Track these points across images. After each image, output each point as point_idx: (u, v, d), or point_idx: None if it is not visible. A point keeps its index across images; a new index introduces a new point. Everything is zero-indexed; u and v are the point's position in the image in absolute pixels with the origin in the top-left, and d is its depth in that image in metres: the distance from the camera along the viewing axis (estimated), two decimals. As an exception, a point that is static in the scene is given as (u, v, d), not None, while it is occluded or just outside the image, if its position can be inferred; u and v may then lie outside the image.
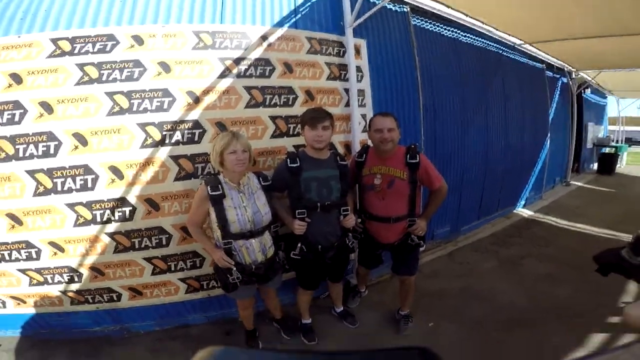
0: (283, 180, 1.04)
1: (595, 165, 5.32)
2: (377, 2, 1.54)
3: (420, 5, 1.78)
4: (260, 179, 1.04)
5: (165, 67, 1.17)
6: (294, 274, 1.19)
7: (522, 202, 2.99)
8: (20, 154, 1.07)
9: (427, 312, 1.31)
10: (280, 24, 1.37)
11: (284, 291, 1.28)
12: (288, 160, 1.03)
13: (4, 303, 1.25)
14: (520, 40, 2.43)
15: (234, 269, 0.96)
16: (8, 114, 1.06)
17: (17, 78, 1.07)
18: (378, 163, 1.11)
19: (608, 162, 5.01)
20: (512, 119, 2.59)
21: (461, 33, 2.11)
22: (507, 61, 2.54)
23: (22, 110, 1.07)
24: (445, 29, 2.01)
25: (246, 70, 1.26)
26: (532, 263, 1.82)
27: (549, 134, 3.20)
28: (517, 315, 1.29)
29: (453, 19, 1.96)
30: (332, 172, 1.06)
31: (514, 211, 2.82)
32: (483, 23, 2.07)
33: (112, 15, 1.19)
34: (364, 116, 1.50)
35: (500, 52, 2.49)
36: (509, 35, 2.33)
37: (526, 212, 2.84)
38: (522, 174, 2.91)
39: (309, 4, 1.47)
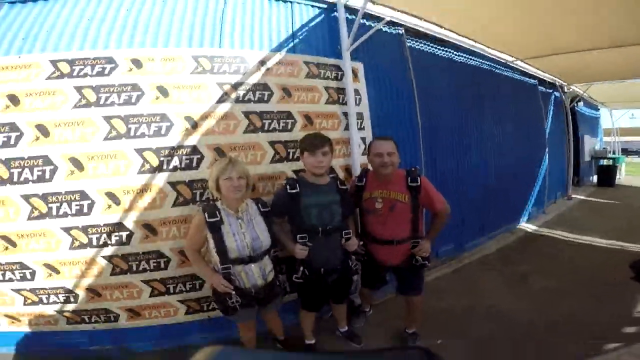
0: (283, 206, 1.05)
1: (595, 178, 5.41)
2: (372, 25, 1.57)
3: (414, 27, 1.82)
4: (260, 205, 1.04)
5: (164, 91, 1.17)
6: (296, 294, 1.19)
7: (525, 217, 3.03)
8: (15, 178, 1.06)
9: (433, 330, 1.28)
10: (278, 48, 1.39)
11: (287, 312, 1.28)
12: (287, 186, 1.03)
13: None
14: (512, 57, 2.50)
15: (233, 292, 0.95)
16: (4, 136, 1.05)
17: (14, 99, 1.06)
18: (378, 187, 1.11)
19: (607, 174, 5.05)
20: (509, 135, 2.66)
21: (455, 52, 2.17)
22: (501, 78, 2.62)
23: (18, 133, 1.06)
24: (439, 49, 2.06)
25: (244, 95, 1.27)
26: (538, 278, 1.80)
27: (546, 149, 3.28)
28: (525, 331, 1.28)
29: (446, 38, 2.01)
30: (333, 197, 1.06)
31: (518, 226, 2.85)
32: (475, 42, 2.12)
33: (111, 37, 1.19)
34: (363, 139, 1.52)
35: (494, 69, 2.56)
36: (501, 52, 2.39)
37: (530, 227, 2.85)
38: (523, 189, 2.96)
39: (307, 28, 1.50)
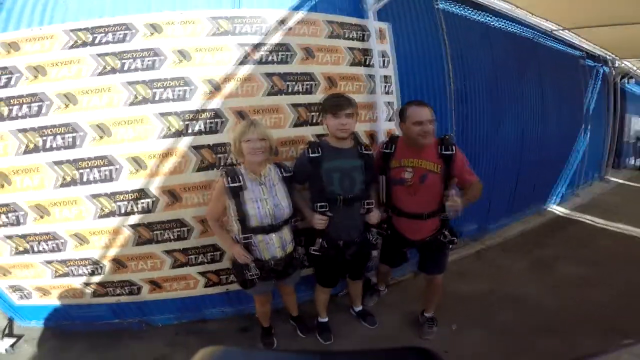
0: (304, 171, 1.06)
1: (638, 161, 5.06)
2: None
3: None
4: (282, 170, 1.06)
5: (185, 54, 1.22)
6: (313, 270, 1.22)
7: (556, 199, 2.90)
8: (47, 145, 1.16)
9: (451, 315, 1.30)
10: (298, 7, 1.38)
11: (301, 288, 1.31)
12: (309, 150, 1.04)
13: (29, 294, 1.36)
14: (557, 25, 2.33)
15: (252, 264, 0.98)
16: (35, 106, 1.14)
17: (41, 70, 1.15)
18: (410, 155, 1.08)
19: None
20: (547, 110, 2.51)
21: (493, 18, 2.05)
22: (542, 48, 2.46)
23: (48, 102, 1.15)
24: (475, 13, 1.96)
25: (266, 56, 1.29)
26: (566, 265, 1.78)
27: (585, 126, 3.08)
28: (547, 321, 1.27)
29: (483, 2, 1.91)
30: (355, 162, 1.05)
31: (547, 208, 2.75)
32: (516, 7, 2.00)
33: (129, 3, 1.24)
34: (390, 104, 1.50)
35: (536, 38, 2.41)
36: (545, 20, 2.23)
37: (560, 210, 2.77)
38: (557, 168, 2.82)
39: None
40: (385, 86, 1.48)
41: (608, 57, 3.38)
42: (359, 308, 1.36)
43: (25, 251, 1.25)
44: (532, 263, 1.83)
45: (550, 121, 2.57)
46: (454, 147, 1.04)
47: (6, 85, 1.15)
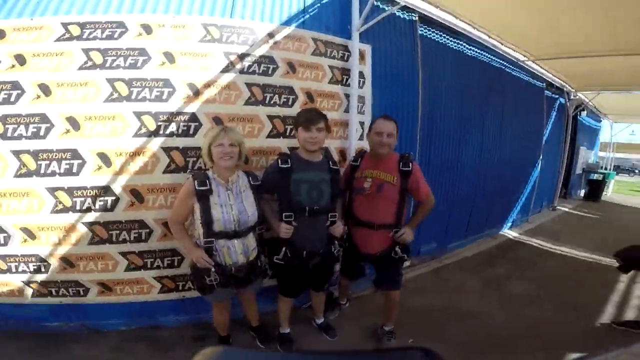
0: (273, 181, 1.13)
1: (582, 191, 5.72)
2: (386, 8, 1.73)
3: (429, 15, 1.98)
4: (251, 178, 1.13)
5: (170, 57, 1.32)
6: (275, 280, 1.25)
7: (509, 224, 3.22)
8: (9, 134, 1.18)
9: (409, 328, 1.38)
10: (288, 22, 1.54)
11: (263, 299, 1.33)
12: (279, 160, 1.13)
13: None
14: (525, 56, 2.66)
15: (213, 269, 1.01)
16: (4, 94, 1.18)
17: (21, 59, 1.21)
18: (370, 167, 1.22)
19: (595, 189, 5.47)
20: (507, 137, 2.82)
21: (466, 45, 2.34)
22: (508, 77, 2.79)
23: (19, 91, 1.20)
24: (451, 41, 2.23)
25: (249, 66, 1.41)
26: (515, 284, 2.00)
27: (540, 156, 3.43)
28: (498, 335, 1.39)
29: (459, 30, 2.17)
30: (324, 176, 1.15)
31: (500, 232, 3.07)
32: (489, 36, 2.28)
33: (124, 2, 1.35)
34: (362, 123, 1.64)
35: (503, 67, 2.73)
36: (514, 50, 2.55)
37: (512, 234, 3.12)
38: (512, 194, 3.13)
39: (318, 5, 1.66)
40: (359, 106, 1.63)
41: (566, 88, 3.80)
42: (320, 320, 1.40)
43: None
44: (485, 281, 2.04)
45: (509, 149, 2.86)
46: (411, 164, 1.18)
47: None
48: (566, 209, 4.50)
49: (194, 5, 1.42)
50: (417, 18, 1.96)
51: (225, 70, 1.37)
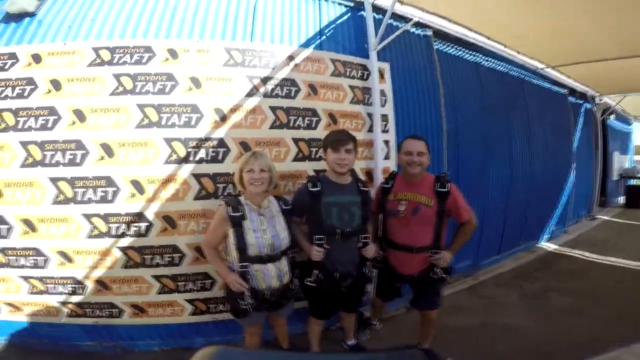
0: (303, 204, 1.19)
1: (622, 199, 5.63)
2: (400, 26, 1.85)
3: (443, 29, 2.09)
4: (281, 203, 1.21)
5: (196, 82, 1.42)
6: (306, 302, 1.34)
7: (546, 236, 3.26)
8: (47, 161, 1.29)
9: (445, 347, 1.37)
10: (305, 44, 1.66)
11: (293, 320, 1.41)
12: (309, 184, 1.18)
13: None
14: (543, 64, 2.76)
15: (247, 293, 1.08)
16: (42, 120, 1.29)
17: (56, 84, 1.32)
18: (404, 189, 1.25)
19: (636, 195, 5.33)
20: (535, 148, 2.89)
21: (483, 57, 2.45)
22: (529, 86, 2.88)
23: (55, 117, 1.31)
24: (467, 53, 2.34)
25: (272, 89, 1.52)
26: (557, 297, 2.00)
27: (573, 164, 3.52)
28: (538, 351, 1.42)
29: (475, 42, 2.28)
30: (353, 198, 1.20)
31: (538, 245, 3.09)
32: (505, 46, 2.39)
33: (150, 27, 1.47)
34: (386, 142, 1.75)
35: (523, 76, 2.83)
36: (531, 58, 2.65)
37: (550, 246, 3.11)
38: (546, 205, 3.18)
39: (334, 26, 1.78)
40: (383, 124, 1.73)
41: (590, 93, 3.90)
42: (351, 342, 1.45)
43: (3, 265, 1.33)
44: (524, 295, 2.06)
45: (538, 159, 2.94)
46: (448, 185, 1.20)
47: (19, 96, 1.30)
48: (606, 218, 4.41)
49: (216, 30, 1.54)
50: (431, 33, 2.07)
51: (250, 94, 1.48)
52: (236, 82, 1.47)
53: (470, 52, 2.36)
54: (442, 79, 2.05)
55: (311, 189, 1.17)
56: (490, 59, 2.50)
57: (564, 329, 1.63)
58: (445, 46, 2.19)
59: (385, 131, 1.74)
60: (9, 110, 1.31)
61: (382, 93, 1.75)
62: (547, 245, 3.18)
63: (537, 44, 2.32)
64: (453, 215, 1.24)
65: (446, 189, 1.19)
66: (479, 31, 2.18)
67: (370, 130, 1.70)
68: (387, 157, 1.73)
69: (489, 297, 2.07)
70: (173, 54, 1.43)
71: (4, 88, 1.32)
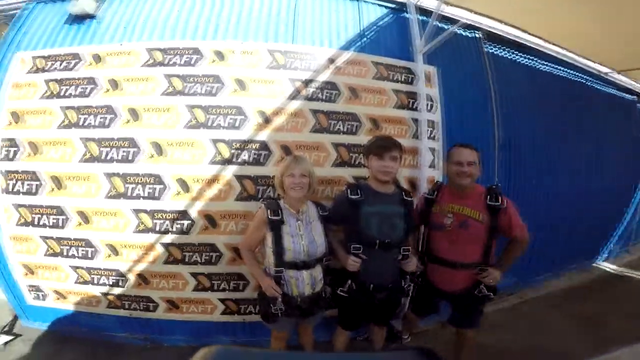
0: (341, 212, 1.18)
1: None
2: (446, 27, 1.75)
3: (494, 31, 1.99)
4: (319, 209, 1.21)
5: (241, 84, 1.47)
6: (335, 311, 1.31)
7: (605, 255, 3.01)
8: (103, 157, 1.40)
9: None
10: (346, 47, 1.65)
11: (320, 328, 1.41)
12: (349, 191, 1.16)
13: (44, 296, 1.55)
14: (608, 68, 2.55)
15: (279, 299, 1.10)
16: (101, 118, 1.40)
17: (114, 84, 1.43)
18: (452, 201, 1.19)
19: None
20: (598, 159, 2.67)
21: (539, 61, 2.29)
22: (593, 92, 2.67)
23: (113, 115, 1.41)
24: (522, 57, 2.21)
25: (314, 92, 1.53)
26: (614, 321, 1.85)
27: None
28: None
29: (530, 45, 2.15)
30: (397, 209, 1.17)
31: (595, 264, 2.86)
32: (566, 50, 2.23)
33: (198, 29, 1.55)
34: (433, 150, 1.68)
35: (585, 81, 2.63)
36: (595, 62, 2.45)
37: (609, 266, 2.87)
38: (607, 222, 2.95)
39: (375, 28, 1.76)
40: (429, 131, 1.67)
41: None
42: None
43: (57, 254, 1.46)
44: (575, 318, 1.90)
45: (600, 171, 2.70)
46: (502, 199, 1.13)
47: (82, 95, 1.43)
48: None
49: (259, 31, 1.59)
50: (481, 35, 1.98)
51: (292, 97, 1.50)
52: (279, 84, 1.50)
53: (526, 55, 2.22)
54: (494, 83, 1.95)
55: (351, 197, 1.15)
56: (548, 63, 2.34)
57: (618, 358, 1.52)
58: (497, 49, 2.09)
59: (431, 138, 1.68)
60: (73, 108, 1.44)
61: (429, 98, 1.69)
62: (605, 265, 2.93)
63: (602, 46, 2.13)
64: (504, 231, 1.17)
65: (499, 203, 1.13)
66: (534, 33, 2.05)
67: (416, 136, 1.65)
68: (432, 166, 1.66)
69: (534, 318, 1.94)
70: (220, 55, 1.50)
71: (68, 87, 1.46)
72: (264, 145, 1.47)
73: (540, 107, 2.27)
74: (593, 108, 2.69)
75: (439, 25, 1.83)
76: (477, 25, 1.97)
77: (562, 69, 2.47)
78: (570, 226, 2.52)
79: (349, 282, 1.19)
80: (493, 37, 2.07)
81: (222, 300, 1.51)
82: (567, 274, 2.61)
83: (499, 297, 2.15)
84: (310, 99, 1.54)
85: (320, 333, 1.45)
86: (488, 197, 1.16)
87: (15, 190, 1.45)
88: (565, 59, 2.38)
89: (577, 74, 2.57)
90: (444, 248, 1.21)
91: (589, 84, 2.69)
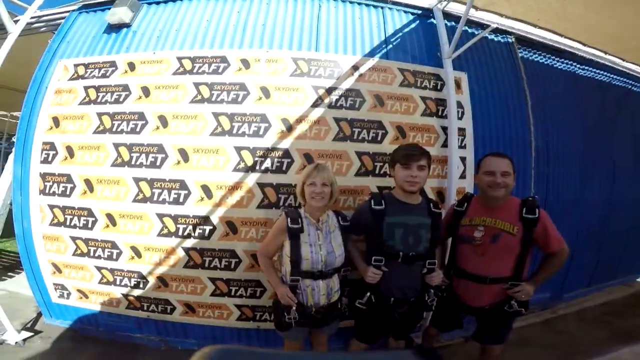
0: (363, 222, 1.18)
1: None
2: (476, 33, 1.76)
3: (527, 35, 1.95)
4: (340, 219, 1.22)
5: (266, 92, 1.52)
6: (351, 322, 1.32)
7: None
8: (133, 162, 1.49)
9: None
10: (370, 54, 1.67)
11: (335, 339, 1.41)
12: (372, 201, 1.16)
13: (69, 295, 1.68)
14: None
15: (294, 308, 1.12)
16: (132, 124, 1.51)
17: (145, 91, 1.54)
18: (483, 214, 1.16)
19: None
20: None
21: (578, 66, 2.22)
22: (637, 97, 2.54)
23: (143, 122, 1.50)
24: (558, 61, 2.14)
25: (337, 100, 1.55)
26: None
27: None
28: None
29: (567, 49, 2.09)
30: (423, 220, 1.15)
31: (638, 280, 2.73)
32: (606, 53, 2.16)
33: (225, 38, 1.64)
34: (463, 159, 1.65)
35: (629, 86, 2.51)
36: (638, 65, 2.37)
37: None
38: None
39: (400, 34, 1.78)
40: (460, 139, 1.63)
41: None
42: None
43: (84, 254, 1.56)
44: (614, 335, 1.84)
45: None
46: (537, 211, 1.09)
47: (116, 101, 1.55)
48: None
49: (284, 39, 1.65)
50: (513, 40, 1.94)
51: (315, 104, 1.53)
52: (302, 92, 1.54)
53: (563, 60, 2.15)
54: (529, 89, 1.89)
55: (374, 207, 1.15)
56: (587, 67, 2.25)
57: (619, 357, 1.37)
58: (531, 54, 2.04)
59: (462, 147, 1.64)
60: (107, 114, 1.55)
61: (459, 105, 1.66)
62: None
63: None
64: (540, 245, 1.13)
65: (535, 215, 1.10)
66: (570, 36, 2.00)
67: (445, 145, 1.62)
68: (463, 176, 1.62)
69: (568, 333, 1.87)
70: (245, 63, 1.57)
71: (104, 93, 1.59)
72: (287, 153, 1.50)
73: (580, 112, 2.18)
74: (637, 113, 2.55)
75: (468, 30, 1.84)
76: (508, 29, 1.94)
77: (603, 72, 2.36)
78: (611, 239, 2.39)
79: (368, 294, 1.18)
80: (527, 42, 2.02)
81: (238, 307, 1.53)
82: (607, 289, 2.49)
83: (531, 312, 2.03)
84: (333, 106, 1.57)
85: (334, 344, 1.45)
86: (524, 209, 1.11)
87: (51, 191, 1.59)
88: (606, 63, 2.28)
89: (620, 77, 2.45)
90: (472, 262, 1.18)
91: (633, 88, 2.56)
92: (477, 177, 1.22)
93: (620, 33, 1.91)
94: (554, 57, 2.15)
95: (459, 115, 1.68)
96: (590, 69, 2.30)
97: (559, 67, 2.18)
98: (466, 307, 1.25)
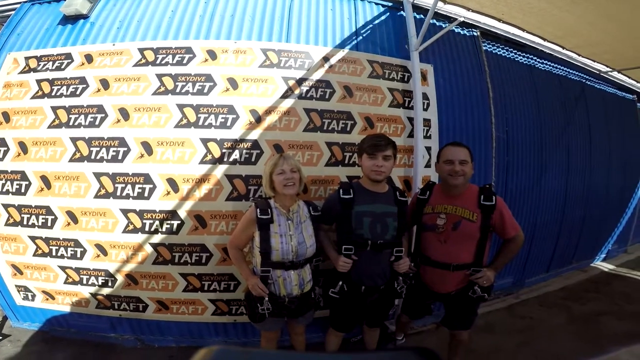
0: (333, 212, 1.19)
1: None
2: (443, 26, 1.80)
3: (491, 29, 2.00)
4: (311, 209, 1.21)
5: (233, 83, 1.48)
6: (326, 311, 1.32)
7: (602, 255, 3.05)
8: (92, 156, 1.41)
9: None
10: (341, 45, 1.66)
11: (312, 329, 1.42)
12: (341, 191, 1.16)
13: (33, 296, 1.56)
14: (607, 67, 2.56)
15: (266, 299, 1.11)
16: (91, 117, 1.42)
17: (105, 83, 1.44)
18: (444, 201, 1.19)
19: None
20: (597, 158, 2.68)
21: (538, 60, 2.30)
22: (591, 91, 2.68)
23: (103, 115, 1.42)
24: (519, 55, 2.21)
25: (307, 91, 1.53)
26: (611, 321, 1.90)
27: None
28: None
29: (528, 43, 2.16)
30: (389, 209, 1.16)
31: (592, 264, 2.92)
32: (563, 48, 2.23)
33: (191, 29, 1.56)
34: (428, 149, 1.68)
35: (584, 81, 2.63)
36: (593, 61, 2.45)
37: (607, 266, 2.94)
38: (605, 222, 2.97)
39: (371, 26, 1.77)
40: (425, 130, 1.67)
41: None
42: None
43: (45, 254, 1.47)
44: (572, 318, 1.94)
45: (598, 172, 2.71)
46: (494, 198, 1.13)
47: (73, 94, 1.44)
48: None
49: (253, 30, 1.60)
50: (479, 34, 1.99)
51: (285, 95, 1.50)
52: (271, 83, 1.51)
53: (524, 54, 2.23)
54: (492, 82, 1.95)
55: (343, 196, 1.15)
56: (546, 62, 2.34)
57: (618, 358, 1.52)
58: (495, 47, 2.09)
59: (427, 137, 1.68)
60: (63, 107, 1.45)
61: (425, 96, 1.69)
62: (602, 265, 2.98)
63: (600, 45, 2.14)
64: (497, 231, 1.17)
65: (492, 202, 1.13)
66: (532, 31, 2.05)
67: (411, 135, 1.66)
68: (428, 165, 1.66)
69: (530, 318, 1.97)
70: (212, 54, 1.51)
71: (59, 87, 1.48)
72: (256, 144, 1.47)
73: (538, 104, 2.28)
74: (591, 107, 2.69)
75: (436, 23, 1.86)
76: (474, 23, 1.98)
77: (560, 67, 2.47)
78: (567, 226, 2.53)
79: (340, 283, 1.19)
80: (491, 36, 2.08)
81: (213, 301, 1.50)
82: (564, 275, 2.63)
83: (496, 298, 2.19)
84: (303, 97, 1.55)
85: (312, 334, 1.46)
86: (482, 196, 1.15)
87: (4, 190, 1.47)
88: (563, 57, 2.39)
89: (575, 72, 2.57)
90: (436, 249, 1.21)
91: (587, 82, 2.69)
92: (437, 166, 1.25)
93: (580, 29, 1.96)
94: (515, 51, 2.23)
95: (425, 107, 1.71)
96: (549, 63, 2.40)
97: (520, 60, 2.26)
98: (433, 294, 1.28)
